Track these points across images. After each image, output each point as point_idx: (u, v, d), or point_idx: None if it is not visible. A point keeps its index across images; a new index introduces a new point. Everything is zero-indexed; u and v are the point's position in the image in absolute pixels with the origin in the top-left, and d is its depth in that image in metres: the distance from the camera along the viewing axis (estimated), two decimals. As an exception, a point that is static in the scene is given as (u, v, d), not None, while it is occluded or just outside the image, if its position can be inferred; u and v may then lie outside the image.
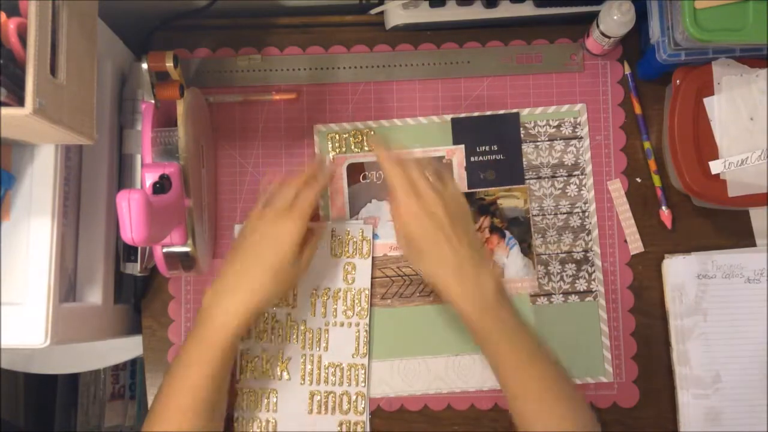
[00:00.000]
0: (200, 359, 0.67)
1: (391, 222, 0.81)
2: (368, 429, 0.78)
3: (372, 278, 0.80)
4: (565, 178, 0.82)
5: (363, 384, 0.78)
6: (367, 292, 0.80)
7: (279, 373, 0.79)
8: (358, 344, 0.79)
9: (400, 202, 0.67)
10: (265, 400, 0.78)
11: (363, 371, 0.78)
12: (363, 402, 0.78)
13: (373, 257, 0.80)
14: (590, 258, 0.81)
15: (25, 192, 0.64)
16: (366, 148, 0.82)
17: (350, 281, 0.80)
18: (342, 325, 0.79)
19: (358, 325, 0.79)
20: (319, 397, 0.78)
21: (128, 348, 0.92)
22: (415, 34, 0.84)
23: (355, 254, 0.80)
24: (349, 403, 0.78)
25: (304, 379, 0.79)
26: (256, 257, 0.69)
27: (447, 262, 0.65)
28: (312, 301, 0.80)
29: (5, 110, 0.50)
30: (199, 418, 0.67)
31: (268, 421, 0.78)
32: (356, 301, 0.79)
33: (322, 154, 0.81)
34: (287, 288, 0.75)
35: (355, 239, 0.80)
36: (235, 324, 0.68)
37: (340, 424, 0.78)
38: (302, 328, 0.79)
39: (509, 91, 0.83)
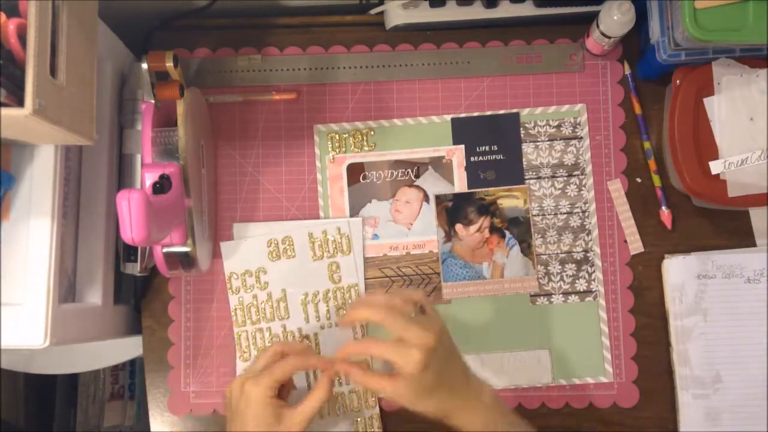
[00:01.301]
0: None
1: (392, 222, 0.81)
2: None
3: (372, 278, 0.80)
4: (565, 178, 0.82)
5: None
6: (357, 287, 0.80)
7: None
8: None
9: (408, 356, 0.62)
10: None
11: (367, 365, 0.78)
12: (372, 396, 0.78)
13: (364, 255, 0.80)
14: (590, 258, 0.81)
15: (24, 192, 0.64)
16: (366, 148, 0.82)
17: (337, 280, 0.80)
18: (337, 325, 0.80)
19: None
20: (329, 401, 0.78)
21: (128, 348, 0.92)
22: (415, 34, 0.84)
23: (336, 253, 0.80)
24: (359, 399, 0.78)
25: (310, 386, 0.79)
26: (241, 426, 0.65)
27: (461, 393, 0.65)
28: (303, 308, 0.80)
29: (5, 110, 0.50)
30: None
31: None
32: (348, 298, 0.80)
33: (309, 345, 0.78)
34: None
35: (332, 238, 0.80)
36: None
37: (355, 422, 0.78)
38: (299, 336, 0.79)
39: (509, 91, 0.83)
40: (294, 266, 0.80)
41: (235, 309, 0.80)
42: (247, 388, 0.65)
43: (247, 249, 0.80)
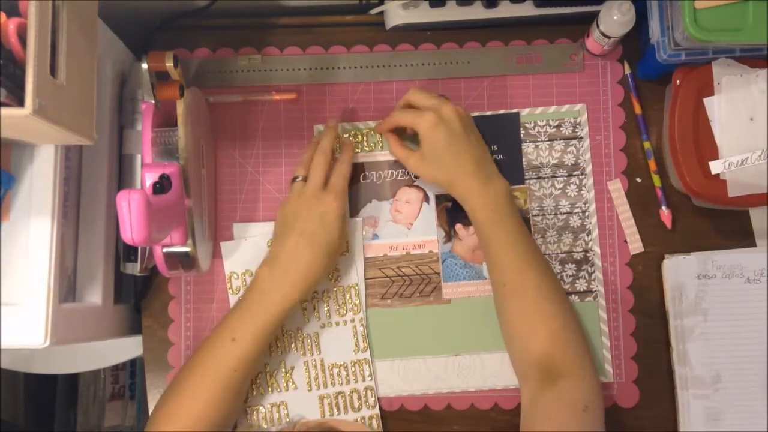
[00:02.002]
0: (246, 335, 0.71)
1: (392, 222, 0.81)
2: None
3: (372, 278, 0.80)
4: (565, 178, 0.82)
5: (369, 378, 0.78)
6: (356, 287, 0.80)
7: (285, 385, 0.79)
8: (357, 340, 0.79)
9: (425, 119, 0.74)
10: (276, 414, 0.78)
11: (367, 365, 0.79)
12: (373, 396, 0.78)
13: (364, 255, 0.80)
14: (590, 258, 0.81)
15: (25, 192, 0.64)
16: (366, 149, 0.82)
17: (336, 279, 0.80)
18: (337, 324, 0.79)
19: (353, 321, 0.79)
20: (329, 400, 0.78)
21: (128, 348, 0.92)
22: (415, 34, 0.84)
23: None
24: (360, 399, 0.78)
25: (310, 386, 0.79)
26: (307, 239, 0.73)
27: (467, 166, 0.74)
28: (303, 307, 0.80)
29: (5, 110, 0.50)
30: (229, 394, 0.71)
31: None
32: (347, 298, 0.79)
33: (333, 120, 0.82)
34: (335, 264, 0.79)
35: None
36: (287, 307, 0.72)
37: (356, 421, 0.78)
38: (299, 335, 0.79)
39: (509, 91, 0.83)
40: None
41: None
42: (328, 203, 0.74)
43: (248, 249, 0.80)
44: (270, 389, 0.78)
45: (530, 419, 0.70)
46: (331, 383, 0.79)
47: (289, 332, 0.79)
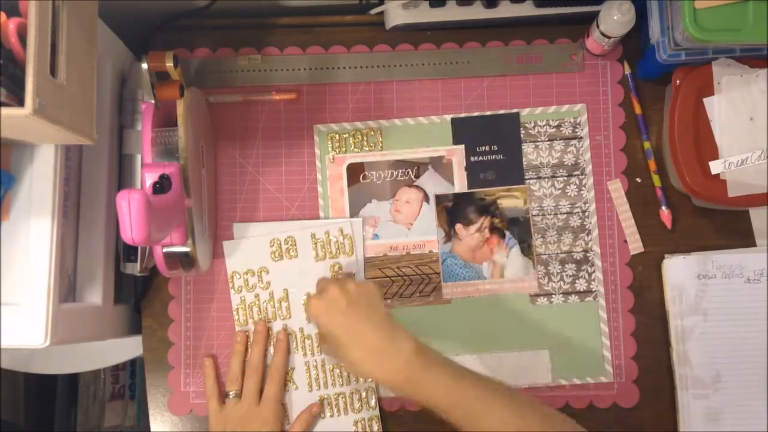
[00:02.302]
0: None
1: (392, 222, 0.81)
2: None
3: (372, 278, 0.80)
4: (565, 178, 0.82)
5: (370, 379, 0.78)
6: None
7: (286, 385, 0.79)
8: None
9: (310, 304, 0.69)
10: None
11: None
12: (373, 397, 0.78)
13: (364, 255, 0.80)
14: (590, 258, 0.81)
15: (25, 192, 0.64)
16: (366, 148, 0.82)
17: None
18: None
19: None
20: (330, 401, 0.78)
21: (128, 348, 0.92)
22: (415, 34, 0.84)
23: (339, 254, 0.80)
24: (360, 400, 0.78)
25: (311, 386, 0.79)
26: None
27: (364, 347, 0.65)
28: (305, 308, 0.80)
29: (5, 110, 0.50)
30: None
31: None
32: None
33: (261, 322, 0.79)
34: None
35: (336, 239, 0.80)
36: None
37: (356, 423, 0.78)
38: (300, 336, 0.79)
39: (509, 91, 0.83)
40: (296, 266, 0.80)
41: (237, 308, 0.80)
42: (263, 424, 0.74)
43: (250, 248, 0.80)
44: None
45: None
46: (332, 384, 0.79)
47: (292, 333, 0.79)
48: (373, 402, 0.78)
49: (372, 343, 0.65)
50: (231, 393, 0.77)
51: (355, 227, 0.81)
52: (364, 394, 0.78)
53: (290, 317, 0.80)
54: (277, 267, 0.80)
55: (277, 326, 0.80)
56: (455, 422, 0.64)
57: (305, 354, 0.79)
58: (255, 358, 0.78)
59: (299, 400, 0.78)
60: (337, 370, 0.79)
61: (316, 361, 0.79)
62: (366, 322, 0.66)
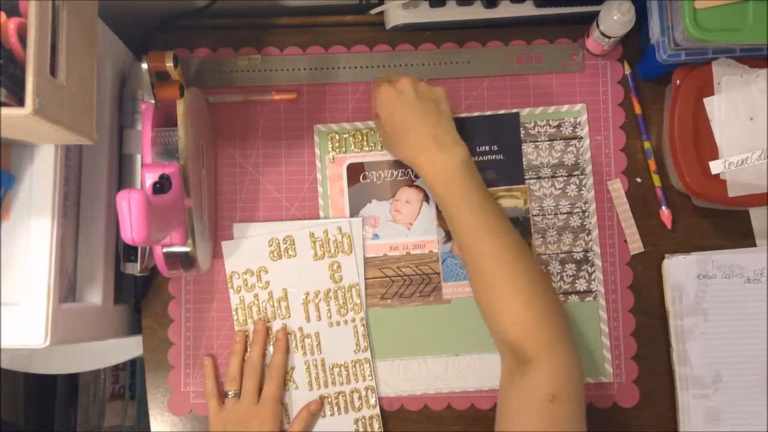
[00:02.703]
0: None
1: (392, 222, 0.81)
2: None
3: (372, 278, 0.80)
4: (565, 178, 0.82)
5: (370, 378, 0.78)
6: (357, 287, 0.80)
7: (286, 385, 0.79)
8: (358, 340, 0.79)
9: (378, 90, 0.74)
10: None
11: (368, 365, 0.79)
12: (374, 396, 0.78)
13: (364, 255, 0.80)
14: (590, 258, 0.81)
15: (25, 192, 0.64)
16: (366, 148, 0.82)
17: (338, 279, 0.80)
18: (338, 324, 0.79)
19: (354, 320, 0.79)
20: (330, 400, 0.78)
21: (128, 348, 0.92)
22: (415, 34, 0.84)
23: (338, 252, 0.80)
24: (361, 399, 0.78)
25: (311, 385, 0.79)
26: None
27: (417, 139, 0.72)
28: (304, 307, 0.80)
29: (5, 110, 0.50)
30: None
31: None
32: (348, 298, 0.80)
33: (261, 322, 0.79)
34: None
35: (334, 238, 0.80)
36: None
37: (356, 422, 0.78)
38: (300, 335, 0.79)
39: (509, 91, 0.83)
40: (295, 266, 0.80)
41: (236, 308, 0.80)
42: (261, 426, 0.75)
43: (248, 248, 0.81)
44: None
45: (500, 416, 0.67)
46: (332, 383, 0.79)
47: (291, 332, 0.79)
48: (373, 400, 0.78)
49: (429, 139, 0.71)
50: (230, 393, 0.77)
51: (354, 226, 0.81)
52: (364, 392, 0.79)
53: (289, 316, 0.80)
54: (276, 266, 0.80)
55: (276, 326, 0.80)
56: (460, 239, 0.71)
57: (305, 353, 0.79)
58: (254, 357, 0.78)
59: (299, 399, 0.78)
60: (337, 369, 0.79)
61: (315, 360, 0.79)
62: (430, 119, 0.72)
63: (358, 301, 0.80)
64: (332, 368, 0.79)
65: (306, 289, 0.80)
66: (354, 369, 0.79)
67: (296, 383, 0.79)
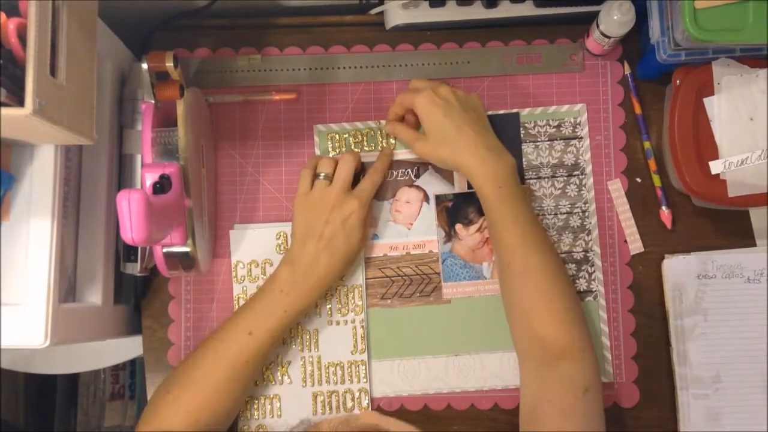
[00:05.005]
0: (263, 330, 0.71)
1: (392, 222, 0.81)
2: None
3: (372, 278, 0.80)
4: (565, 178, 0.82)
5: (365, 380, 0.78)
6: (360, 288, 0.80)
7: (280, 378, 0.79)
8: (356, 341, 0.79)
9: (421, 96, 0.75)
10: (269, 406, 0.78)
11: (363, 367, 0.79)
12: (366, 398, 0.78)
13: (365, 255, 0.80)
14: (590, 258, 0.81)
15: (24, 192, 0.64)
16: (366, 148, 0.82)
17: (343, 278, 0.80)
18: (338, 323, 0.79)
19: (354, 321, 0.79)
20: (322, 398, 0.78)
21: (128, 348, 0.92)
22: (415, 34, 0.84)
23: None
24: (353, 400, 0.78)
25: (305, 382, 0.79)
26: (328, 245, 0.73)
27: (469, 140, 0.73)
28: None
29: (5, 110, 0.50)
30: (238, 386, 0.72)
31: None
32: (350, 298, 0.79)
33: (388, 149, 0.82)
34: (350, 267, 0.79)
35: None
36: (304, 307, 0.74)
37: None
38: (299, 330, 0.79)
39: (509, 91, 0.83)
40: None
41: (238, 298, 0.80)
42: (354, 208, 0.74)
43: (255, 239, 0.80)
44: (264, 381, 0.78)
45: (532, 402, 0.69)
46: (326, 381, 0.79)
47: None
48: (365, 403, 0.78)
49: (481, 144, 0.73)
50: (321, 174, 0.76)
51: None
52: (357, 394, 0.78)
53: None
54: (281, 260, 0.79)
55: None
56: (505, 241, 0.73)
57: (302, 349, 0.79)
58: (355, 151, 0.79)
59: (292, 394, 0.78)
60: (332, 368, 0.79)
61: (312, 356, 0.79)
62: (477, 126, 0.75)
63: (360, 303, 0.79)
64: (327, 367, 0.79)
65: None
66: (350, 370, 0.79)
67: (290, 378, 0.79)
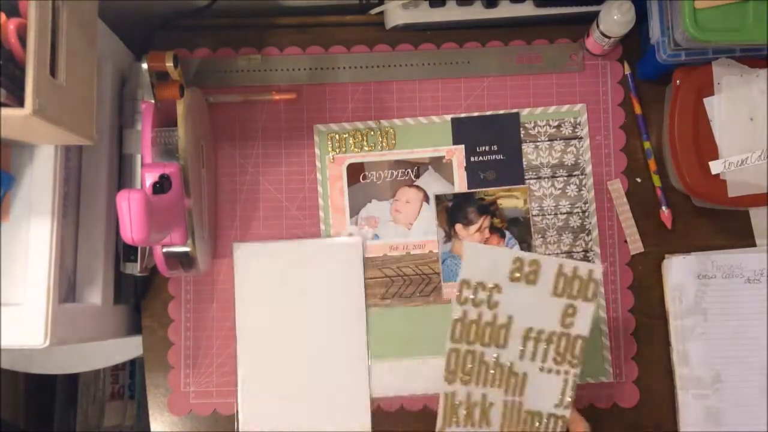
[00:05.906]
0: None
1: (392, 222, 0.81)
2: None
3: (372, 278, 0.80)
4: (565, 178, 0.82)
5: None
6: (581, 340, 0.70)
7: (478, 420, 0.70)
8: (564, 395, 0.70)
9: None
10: None
11: (562, 423, 0.70)
12: None
13: (365, 255, 0.80)
14: (590, 258, 0.81)
15: (24, 192, 0.64)
16: (366, 148, 0.82)
17: (567, 325, 0.70)
18: (550, 371, 0.70)
19: (567, 373, 0.70)
20: None
21: (128, 348, 0.92)
22: (415, 34, 0.84)
23: (579, 296, 0.70)
24: None
25: (503, 428, 0.70)
26: None
27: None
28: (523, 342, 0.70)
29: (5, 111, 0.50)
30: None
31: None
32: (569, 348, 0.70)
33: None
34: None
35: (582, 278, 0.70)
36: None
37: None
38: (506, 371, 0.70)
39: (509, 91, 0.83)
40: (530, 295, 0.70)
41: (457, 321, 0.71)
42: None
43: (489, 259, 0.71)
44: (466, 423, 0.70)
45: None
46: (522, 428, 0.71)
47: (500, 367, 0.71)
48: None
49: None
50: None
51: (596, 274, 0.70)
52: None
53: (506, 347, 0.70)
54: (511, 289, 0.70)
55: (489, 352, 0.70)
56: None
57: (506, 392, 0.70)
58: None
59: None
60: (530, 418, 0.70)
61: (514, 402, 0.70)
62: None
63: (579, 355, 0.70)
64: (526, 416, 0.70)
65: (532, 324, 0.70)
66: (547, 423, 0.70)
67: (489, 423, 0.71)
